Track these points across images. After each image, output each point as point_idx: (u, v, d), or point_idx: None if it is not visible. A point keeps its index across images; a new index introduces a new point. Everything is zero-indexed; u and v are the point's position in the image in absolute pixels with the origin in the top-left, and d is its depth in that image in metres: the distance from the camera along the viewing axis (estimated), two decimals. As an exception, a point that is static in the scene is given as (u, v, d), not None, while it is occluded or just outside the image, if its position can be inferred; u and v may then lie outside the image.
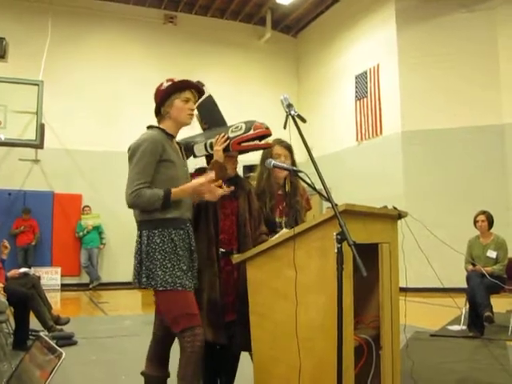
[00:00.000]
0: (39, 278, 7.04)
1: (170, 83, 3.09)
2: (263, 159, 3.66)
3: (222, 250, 3.33)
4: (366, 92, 13.27)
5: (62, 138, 13.02)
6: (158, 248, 2.90)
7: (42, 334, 2.76)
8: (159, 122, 3.14)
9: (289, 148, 3.71)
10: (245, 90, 15.13)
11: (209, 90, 3.50)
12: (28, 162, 12.76)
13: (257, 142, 3.34)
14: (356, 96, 13.68)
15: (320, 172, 2.64)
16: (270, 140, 3.54)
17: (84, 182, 13.26)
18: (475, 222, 7.12)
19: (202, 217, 3.29)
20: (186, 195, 2.99)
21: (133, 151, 2.97)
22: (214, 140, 3.38)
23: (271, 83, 15.41)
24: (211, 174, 3.02)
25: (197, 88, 3.17)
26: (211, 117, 3.56)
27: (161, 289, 2.88)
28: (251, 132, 3.30)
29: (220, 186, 3.11)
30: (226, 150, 3.33)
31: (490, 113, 11.54)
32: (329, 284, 2.57)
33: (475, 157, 11.54)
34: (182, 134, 3.32)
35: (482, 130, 11.50)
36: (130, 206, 2.95)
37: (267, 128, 3.36)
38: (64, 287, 12.68)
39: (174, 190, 2.90)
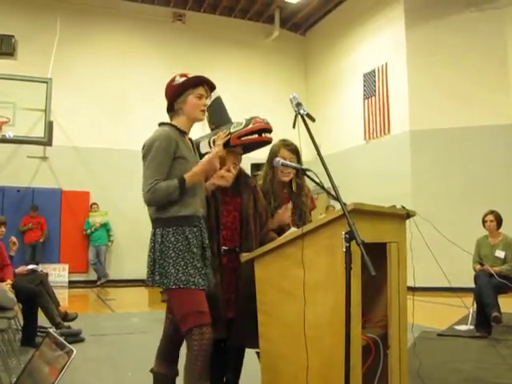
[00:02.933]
0: (47, 274, 7.07)
1: (184, 79, 3.09)
2: (269, 159, 3.69)
3: (225, 247, 3.35)
4: (374, 91, 13.24)
5: (70, 135, 13.08)
6: (171, 246, 2.91)
7: (51, 330, 2.77)
8: (171, 117, 3.15)
9: (295, 151, 3.71)
10: (253, 88, 15.15)
11: (217, 91, 3.53)
12: (36, 159, 12.84)
13: (256, 135, 3.37)
14: (364, 95, 13.66)
15: (329, 171, 2.64)
16: (275, 139, 3.58)
17: (92, 179, 13.30)
18: (484, 221, 7.10)
19: None
20: (198, 177, 3.00)
21: (147, 149, 2.97)
22: (216, 136, 3.43)
23: (279, 81, 15.42)
24: (216, 149, 3.03)
25: (209, 84, 3.18)
26: (219, 117, 3.60)
27: (174, 287, 2.89)
28: (250, 126, 3.35)
29: (229, 170, 3.21)
30: (227, 144, 3.37)
31: (497, 112, 11.50)
32: (337, 283, 2.57)
33: (483, 156, 11.52)
34: (194, 133, 3.33)
35: (490, 129, 11.46)
36: (148, 203, 2.96)
37: (267, 123, 3.40)
38: (72, 284, 12.74)
39: (186, 175, 2.92)
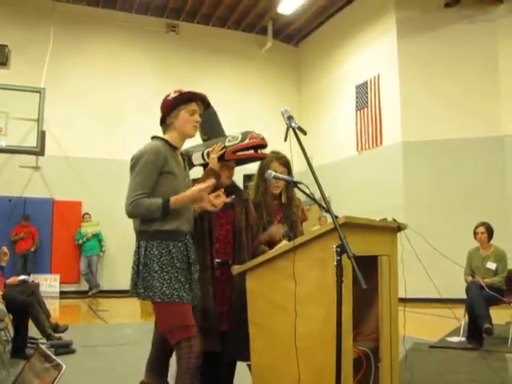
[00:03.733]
0: (38, 285, 7.03)
1: (177, 94, 3.10)
2: (260, 171, 3.69)
3: (218, 260, 3.35)
4: (367, 102, 13.30)
5: (62, 145, 13.06)
6: (155, 259, 2.91)
7: (41, 345, 2.76)
8: (164, 132, 3.15)
9: (286, 164, 3.72)
10: (245, 98, 15.19)
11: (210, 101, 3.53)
12: (28, 168, 12.78)
13: (252, 151, 3.37)
14: (356, 106, 13.71)
15: (320, 184, 2.65)
16: (266, 151, 3.57)
17: (84, 189, 13.26)
18: (475, 233, 7.11)
19: (196, 226, 3.29)
20: (184, 202, 2.99)
21: (135, 161, 2.98)
22: (210, 149, 3.41)
23: (272, 92, 15.48)
24: (209, 181, 3.03)
25: (203, 99, 3.18)
26: (212, 128, 3.59)
27: (158, 300, 2.89)
28: (246, 141, 3.34)
29: (219, 195, 3.14)
30: (221, 158, 3.36)
31: (490, 124, 11.58)
32: (328, 296, 2.57)
33: (475, 167, 11.57)
34: (185, 143, 3.33)
35: (482, 140, 11.53)
36: (129, 215, 2.96)
37: (263, 138, 3.41)
38: (63, 294, 12.66)
39: (172, 199, 2.91)
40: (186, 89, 3.17)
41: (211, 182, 3.03)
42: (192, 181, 3.45)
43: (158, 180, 2.96)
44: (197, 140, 3.66)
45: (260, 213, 3.64)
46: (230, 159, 3.38)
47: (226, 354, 3.30)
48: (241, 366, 3.55)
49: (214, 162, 3.36)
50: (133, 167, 2.99)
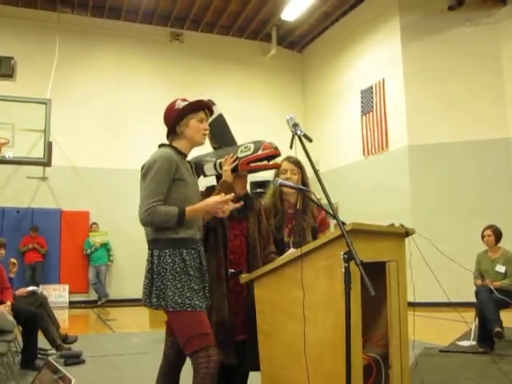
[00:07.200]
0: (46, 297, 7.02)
1: (185, 103, 3.09)
2: (275, 176, 3.71)
3: (232, 270, 3.33)
4: (372, 107, 13.28)
5: (69, 155, 13.10)
6: (169, 268, 2.88)
7: (51, 356, 2.76)
8: (172, 141, 3.14)
9: (297, 163, 3.71)
10: (251, 105, 15.20)
11: (219, 108, 3.52)
12: (36, 179, 12.84)
13: (265, 162, 3.35)
14: (362, 111, 13.70)
15: (326, 191, 2.64)
16: (279, 159, 3.56)
17: (91, 199, 13.29)
18: (482, 236, 7.08)
19: (211, 237, 3.29)
20: (199, 214, 2.99)
21: (147, 169, 2.96)
22: (223, 160, 3.39)
23: (277, 99, 15.49)
24: (225, 196, 2.99)
25: (210, 108, 3.19)
26: (222, 136, 3.57)
27: (171, 310, 2.86)
28: (260, 152, 3.30)
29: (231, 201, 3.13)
30: (234, 170, 3.34)
31: (495, 127, 11.54)
32: (337, 303, 2.57)
33: (482, 171, 11.53)
34: (193, 152, 3.32)
35: (488, 143, 11.49)
36: (144, 223, 2.93)
37: (276, 148, 3.37)
38: (72, 304, 12.68)
39: (187, 209, 2.90)
40: (191, 98, 3.18)
41: (230, 196, 3.00)
42: (206, 188, 3.45)
43: (170, 187, 2.94)
44: (206, 147, 3.65)
45: (268, 216, 3.63)
46: (243, 170, 3.36)
47: (246, 365, 3.27)
48: (251, 375, 3.53)
49: (227, 175, 3.32)
50: (145, 175, 2.96)
